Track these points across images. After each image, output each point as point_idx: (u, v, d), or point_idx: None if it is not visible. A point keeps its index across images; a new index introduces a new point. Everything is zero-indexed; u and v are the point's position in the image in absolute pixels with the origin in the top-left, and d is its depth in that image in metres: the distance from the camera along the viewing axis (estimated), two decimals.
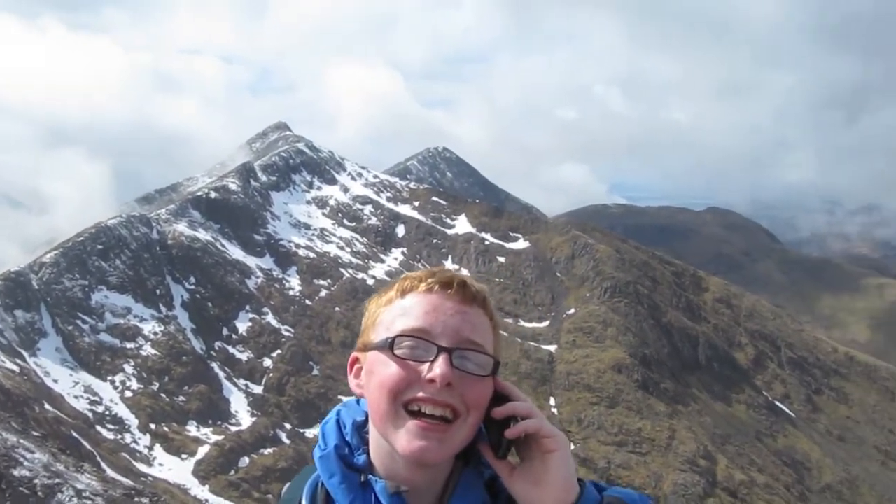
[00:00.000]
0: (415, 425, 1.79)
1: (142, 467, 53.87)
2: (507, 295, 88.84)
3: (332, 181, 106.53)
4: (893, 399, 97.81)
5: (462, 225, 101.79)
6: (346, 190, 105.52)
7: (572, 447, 68.64)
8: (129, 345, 66.57)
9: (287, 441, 63.74)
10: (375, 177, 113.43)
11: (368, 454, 1.94)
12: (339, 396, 60.71)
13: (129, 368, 64.34)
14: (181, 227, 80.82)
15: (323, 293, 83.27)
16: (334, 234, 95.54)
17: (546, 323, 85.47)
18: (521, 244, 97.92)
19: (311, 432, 64.47)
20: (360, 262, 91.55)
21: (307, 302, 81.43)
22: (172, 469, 56.27)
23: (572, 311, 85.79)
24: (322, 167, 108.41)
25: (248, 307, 76.72)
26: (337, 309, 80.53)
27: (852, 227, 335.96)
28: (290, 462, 59.17)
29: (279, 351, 72.89)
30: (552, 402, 74.59)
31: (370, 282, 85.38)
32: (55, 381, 58.83)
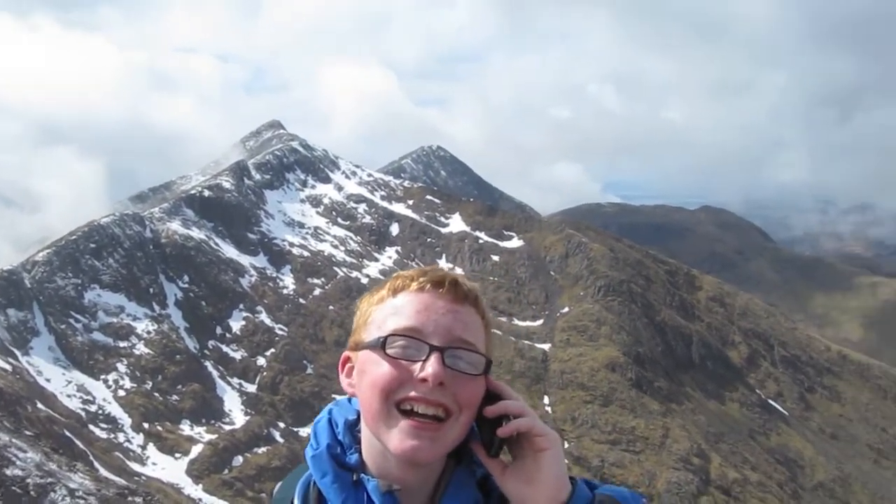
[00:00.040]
0: (407, 425, 1.79)
1: (135, 466, 53.75)
2: (501, 293, 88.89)
3: (326, 180, 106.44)
4: (886, 397, 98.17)
5: (456, 224, 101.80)
6: (340, 188, 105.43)
7: (566, 446, 68.74)
8: (123, 343, 66.42)
9: (281, 440, 63.69)
10: (369, 175, 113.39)
11: (360, 453, 1.93)
12: (333, 395, 60.69)
13: (122, 367, 64.18)
14: (175, 225, 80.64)
15: (317, 292, 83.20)
16: (328, 233, 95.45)
17: (540, 321, 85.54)
18: (515, 243, 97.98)
19: (305, 431, 64.40)
20: (354, 261, 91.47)
21: (301, 301, 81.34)
22: (166, 468, 56.15)
23: (566, 309, 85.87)
24: (316, 166, 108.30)
25: (241, 306, 76.59)
26: (331, 308, 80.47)
27: (845, 226, 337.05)
28: (283, 461, 59.12)
29: (273, 350, 72.79)
30: (546, 400, 74.66)
31: (364, 280, 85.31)
32: (48, 380, 58.65)
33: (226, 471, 58.40)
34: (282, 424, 65.79)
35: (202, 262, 78.21)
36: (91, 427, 56.29)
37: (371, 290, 2.02)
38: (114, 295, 69.87)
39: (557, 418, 71.94)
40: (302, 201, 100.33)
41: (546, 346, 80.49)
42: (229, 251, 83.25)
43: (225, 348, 71.95)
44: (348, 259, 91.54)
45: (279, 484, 2.09)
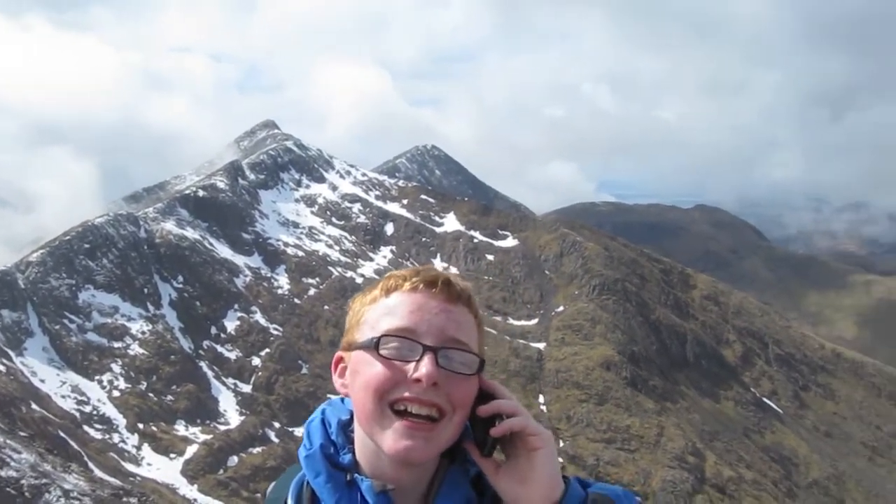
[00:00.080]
0: (401, 425, 1.79)
1: (130, 467, 53.65)
2: (495, 293, 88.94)
3: (321, 179, 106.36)
4: (880, 395, 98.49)
5: (451, 223, 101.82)
6: (334, 188, 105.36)
7: (561, 444, 68.81)
8: (117, 344, 66.29)
9: (276, 440, 63.62)
10: (364, 175, 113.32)
11: (354, 453, 1.93)
12: (328, 395, 60.54)
13: (116, 368, 64.06)
14: (169, 225, 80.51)
15: (311, 292, 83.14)
16: (323, 233, 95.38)
17: (535, 321, 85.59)
18: (510, 242, 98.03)
19: (300, 431, 63.82)
20: (348, 261, 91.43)
21: (296, 300, 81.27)
22: (161, 469, 56.06)
23: (561, 308, 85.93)
24: (310, 165, 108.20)
25: (236, 306, 76.49)
26: (326, 307, 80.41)
27: (839, 225, 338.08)
28: (279, 461, 59.06)
29: (268, 350, 72.72)
30: (541, 399, 74.71)
31: (359, 280, 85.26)
32: (42, 380, 58.50)
33: (221, 471, 58.31)
34: (277, 424, 65.72)
35: (196, 263, 78.09)
36: (86, 428, 56.17)
37: (364, 289, 2.01)
38: (108, 295, 69.72)
39: (552, 417, 72.00)
40: (296, 201, 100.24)
41: (541, 345, 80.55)
42: (224, 251, 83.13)
43: (220, 348, 71.85)
44: (343, 259, 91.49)
45: (272, 484, 2.09)
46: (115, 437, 57.24)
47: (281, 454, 60.38)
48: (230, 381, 69.05)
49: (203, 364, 69.49)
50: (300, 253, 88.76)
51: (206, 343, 71.74)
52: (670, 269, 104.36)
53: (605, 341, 79.83)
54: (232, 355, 71.53)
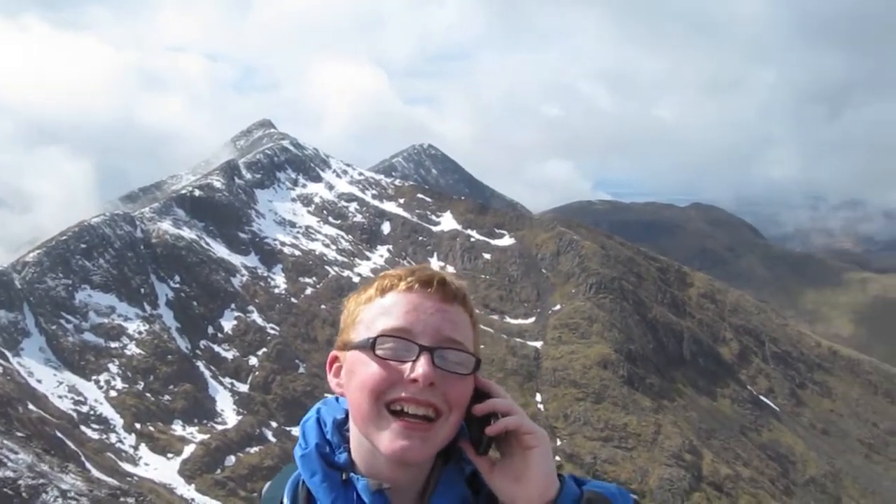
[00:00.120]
0: (397, 425, 1.79)
1: (127, 467, 53.61)
2: (492, 291, 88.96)
3: (317, 179, 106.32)
4: (876, 392, 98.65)
5: (447, 222, 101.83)
6: (331, 187, 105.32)
7: (559, 443, 68.89)
8: (114, 344, 66.21)
9: (273, 439, 63.60)
10: (360, 174, 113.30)
11: (349, 452, 1.93)
12: (326, 394, 60.30)
13: (113, 368, 63.99)
14: (165, 225, 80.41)
15: (308, 291, 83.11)
16: (319, 232, 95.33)
17: (532, 319, 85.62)
18: (507, 241, 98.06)
19: (297, 431, 62.39)
20: (345, 260, 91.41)
21: (292, 300, 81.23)
22: (158, 468, 56.02)
23: (558, 307, 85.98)
24: (307, 165, 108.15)
25: (233, 305, 76.43)
26: (322, 307, 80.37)
27: (835, 223, 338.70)
28: (276, 460, 59.04)
29: (265, 349, 72.67)
30: (538, 398, 74.75)
31: (356, 279, 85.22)
32: (39, 380, 58.41)
33: (218, 471, 58.28)
34: (274, 424, 65.70)
35: (193, 262, 78.01)
36: (83, 428, 56.10)
37: (358, 289, 2.01)
38: (105, 295, 69.63)
39: (550, 416, 72.05)
40: (293, 200, 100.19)
41: (538, 344, 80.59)
42: (220, 251, 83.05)
43: (217, 348, 71.80)
44: (340, 258, 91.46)
45: (268, 484, 2.08)
46: (113, 437, 57.19)
47: (278, 454, 60.36)
48: (227, 380, 69.01)
49: (200, 364, 69.44)
50: (297, 252, 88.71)
51: (202, 343, 71.68)
52: (667, 268, 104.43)
53: (602, 340, 79.89)
54: (229, 355, 71.48)
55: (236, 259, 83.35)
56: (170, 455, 58.08)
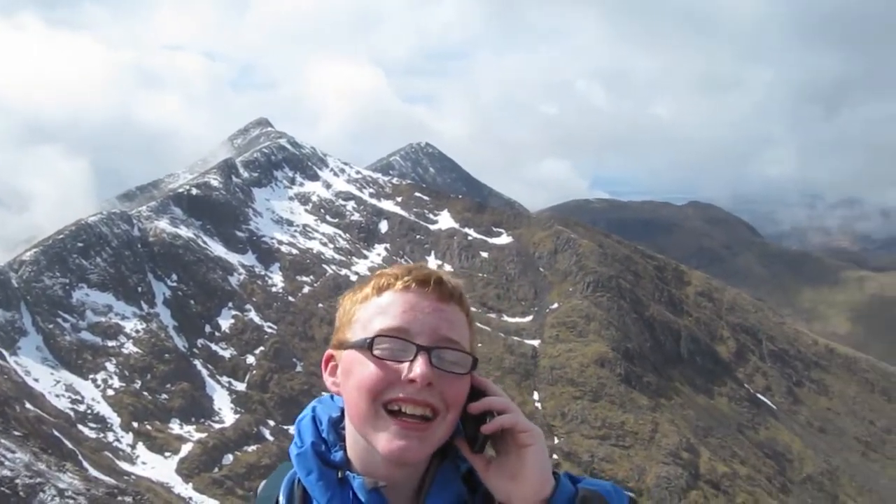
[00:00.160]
0: (395, 426, 1.78)
1: (124, 466, 53.58)
2: (490, 290, 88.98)
3: (315, 177, 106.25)
4: (873, 391, 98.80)
5: (445, 220, 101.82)
6: (328, 186, 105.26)
7: (556, 441, 68.95)
8: (111, 343, 66.15)
9: (271, 438, 63.58)
10: (358, 172, 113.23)
11: (345, 450, 1.92)
12: (323, 393, 59.53)
13: (110, 366, 63.93)
14: (162, 224, 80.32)
15: (306, 289, 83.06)
16: (317, 231, 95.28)
17: (529, 318, 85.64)
18: (504, 239, 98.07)
19: (294, 429, 64.27)
20: (343, 259, 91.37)
21: (290, 298, 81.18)
22: (155, 467, 55.99)
23: (555, 305, 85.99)
24: (304, 163, 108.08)
25: (230, 304, 76.37)
26: (320, 305, 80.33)
27: (832, 221, 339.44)
28: (273, 459, 59.00)
29: (262, 348, 72.64)
30: (536, 396, 74.79)
31: (353, 278, 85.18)
32: (36, 379, 58.35)
33: (216, 469, 58.26)
34: (271, 422, 65.68)
35: (190, 261, 77.94)
36: (80, 427, 56.05)
37: (354, 287, 2.00)
38: (102, 294, 69.55)
39: (547, 414, 72.10)
40: (290, 199, 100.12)
41: (535, 343, 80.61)
42: (217, 249, 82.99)
43: (214, 347, 71.75)
44: (337, 256, 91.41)
45: (263, 482, 2.08)
46: (110, 436, 57.15)
47: (276, 452, 60.33)
48: (224, 379, 68.97)
49: (197, 362, 69.40)
50: (294, 251, 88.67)
51: (200, 341, 71.63)
52: (664, 266, 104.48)
53: (600, 338, 79.92)
54: (226, 353, 71.44)
55: (233, 258, 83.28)
56: (167, 454, 58.06)
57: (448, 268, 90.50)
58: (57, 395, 58.01)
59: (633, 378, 77.07)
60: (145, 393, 63.17)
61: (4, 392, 49.06)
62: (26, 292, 65.30)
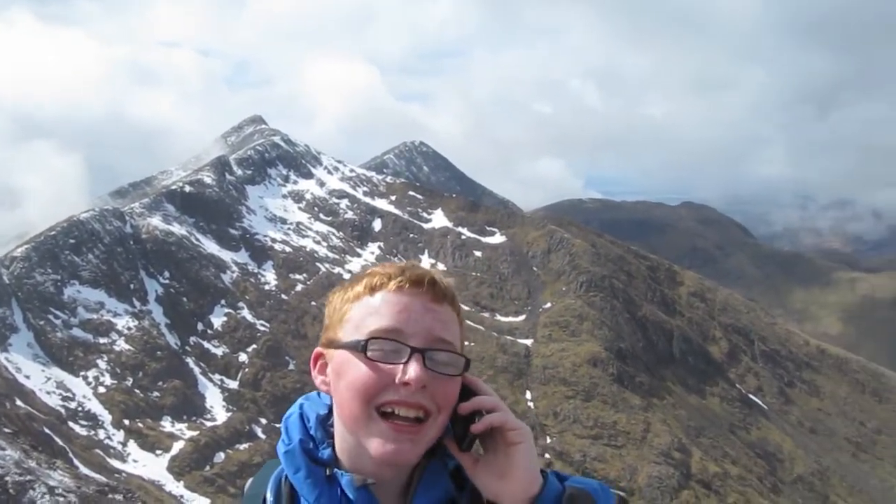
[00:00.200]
0: (388, 428, 1.77)
1: (115, 463, 53.45)
2: (483, 289, 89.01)
3: (308, 175, 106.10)
4: (864, 391, 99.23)
5: (439, 219, 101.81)
6: (322, 184, 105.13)
7: (548, 441, 69.05)
8: (103, 340, 65.98)
9: (263, 436, 63.53)
10: (352, 171, 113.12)
11: (333, 448, 1.91)
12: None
13: (102, 364, 63.77)
14: (155, 220, 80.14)
15: (299, 287, 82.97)
16: (310, 229, 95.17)
17: (522, 317, 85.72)
18: (498, 238, 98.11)
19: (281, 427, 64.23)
20: (336, 257, 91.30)
21: (283, 296, 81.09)
22: (147, 465, 55.90)
23: (548, 305, 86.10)
24: (298, 161, 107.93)
25: (223, 302, 76.26)
26: (313, 303, 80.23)
27: (824, 222, 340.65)
28: (265, 457, 58.86)
29: (254, 346, 72.56)
30: (528, 395, 74.87)
31: (346, 276, 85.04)
32: (27, 376, 58.19)
33: (207, 467, 58.18)
34: (263, 420, 65.61)
35: (183, 258, 77.79)
36: (71, 424, 55.92)
37: (343, 285, 1.97)
38: (94, 291, 69.36)
39: (540, 413, 72.18)
40: (284, 197, 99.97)
41: (528, 342, 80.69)
42: (210, 247, 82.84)
43: (206, 344, 71.62)
44: (330, 255, 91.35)
45: (250, 480, 2.06)
46: (101, 434, 57.02)
47: (268, 450, 60.25)
48: (217, 377, 68.86)
49: (189, 360, 69.27)
50: (287, 249, 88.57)
51: (192, 339, 71.50)
52: (657, 266, 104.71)
53: (592, 338, 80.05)
54: (219, 351, 71.32)
55: (226, 255, 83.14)
56: (158, 452, 57.96)
57: (441, 267, 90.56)
58: (48, 393, 57.86)
59: (626, 378, 77.21)
60: (137, 390, 63.04)
61: None
62: (17, 289, 65.08)
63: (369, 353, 1.78)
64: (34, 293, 65.66)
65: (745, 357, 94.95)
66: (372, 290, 1.87)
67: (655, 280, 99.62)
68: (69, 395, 58.99)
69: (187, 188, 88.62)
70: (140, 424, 59.72)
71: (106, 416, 58.83)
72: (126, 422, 59.11)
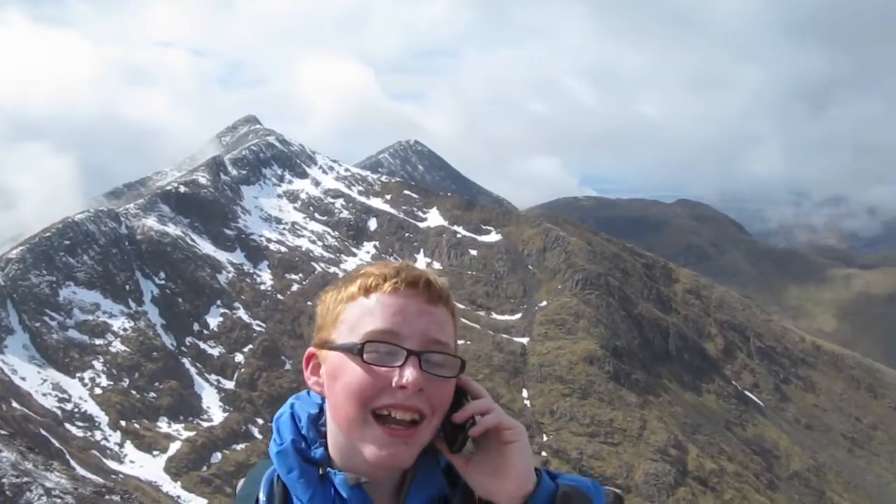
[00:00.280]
0: (383, 432, 1.76)
1: (112, 465, 53.37)
2: (479, 288, 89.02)
3: (303, 175, 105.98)
4: (859, 387, 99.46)
5: (434, 218, 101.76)
6: (317, 183, 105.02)
7: (545, 438, 69.14)
8: (99, 341, 65.84)
9: (259, 436, 63.47)
10: (347, 170, 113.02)
11: (326, 447, 1.89)
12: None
13: (98, 365, 63.65)
14: (150, 221, 79.99)
15: (294, 287, 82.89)
16: (306, 228, 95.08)
17: (518, 315, 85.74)
18: (493, 237, 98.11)
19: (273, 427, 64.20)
20: (331, 256, 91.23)
21: (279, 296, 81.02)
22: (143, 466, 55.81)
23: (544, 303, 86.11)
24: (293, 161, 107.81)
25: (219, 302, 76.16)
26: (309, 303, 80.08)
27: (819, 219, 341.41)
28: (262, 457, 57.98)
29: (251, 346, 72.47)
30: (525, 393, 74.90)
31: (342, 275, 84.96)
32: (23, 378, 58.05)
33: (204, 468, 58.13)
34: (260, 421, 65.51)
35: (178, 259, 77.67)
36: (67, 425, 55.80)
37: (336, 284, 1.96)
38: (89, 292, 69.21)
39: (536, 411, 72.23)
40: (279, 196, 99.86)
41: (524, 340, 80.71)
42: (206, 247, 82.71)
43: (202, 345, 71.53)
44: (326, 254, 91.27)
45: (241, 481, 2.06)
46: (98, 435, 56.92)
47: (265, 450, 57.38)
48: (213, 377, 68.78)
49: (186, 361, 69.18)
50: (283, 248, 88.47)
51: (188, 340, 71.40)
52: (653, 264, 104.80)
53: (588, 336, 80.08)
54: (215, 352, 71.24)
55: (222, 255, 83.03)
56: (155, 452, 57.88)
57: (437, 265, 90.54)
58: (44, 394, 57.74)
59: (622, 375, 77.28)
60: (133, 391, 62.93)
61: None
62: (12, 290, 64.93)
63: (365, 357, 1.77)
64: (29, 295, 65.51)
65: (740, 354, 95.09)
66: (367, 291, 1.85)
67: (651, 277, 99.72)
68: (65, 396, 58.87)
69: (182, 188, 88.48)
70: (136, 425, 59.63)
71: (102, 418, 58.74)
72: (122, 423, 59.02)
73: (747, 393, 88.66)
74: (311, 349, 1.98)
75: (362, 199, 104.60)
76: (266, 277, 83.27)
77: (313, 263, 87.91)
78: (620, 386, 75.83)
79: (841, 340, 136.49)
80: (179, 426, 61.61)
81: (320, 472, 1.86)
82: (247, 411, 65.96)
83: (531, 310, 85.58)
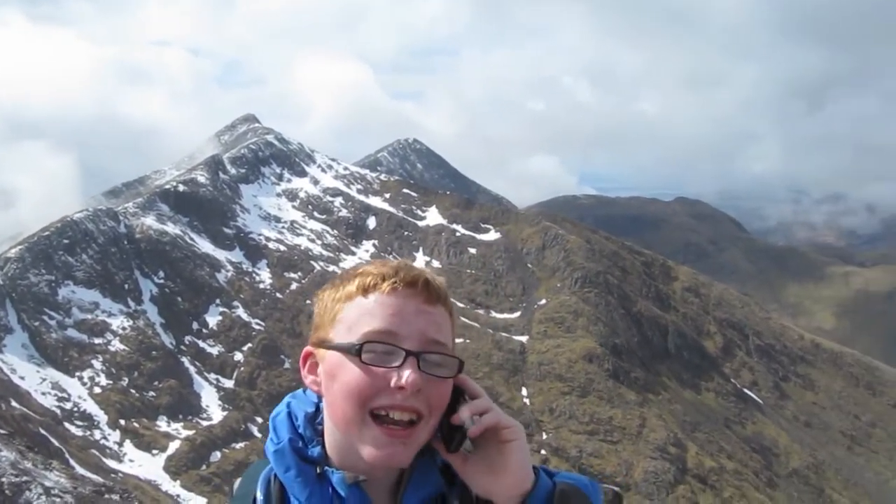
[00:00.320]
0: (381, 433, 1.76)
1: (112, 464, 53.36)
2: (478, 286, 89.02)
3: (302, 173, 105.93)
4: (858, 385, 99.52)
5: (433, 216, 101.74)
6: (316, 182, 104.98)
7: (544, 437, 69.17)
8: (98, 340, 65.82)
9: (258, 435, 63.48)
10: (346, 169, 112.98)
11: (323, 445, 1.89)
12: None
13: (97, 364, 63.62)
14: (149, 220, 79.93)
15: (294, 286, 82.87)
16: (304, 227, 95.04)
17: (517, 314, 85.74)
18: (492, 235, 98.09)
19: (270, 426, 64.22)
20: (330, 255, 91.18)
21: (278, 295, 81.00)
22: (143, 465, 55.81)
23: (543, 301, 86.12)
24: (292, 159, 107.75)
25: (218, 301, 76.12)
26: (308, 302, 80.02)
27: (818, 217, 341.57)
28: (261, 456, 58.61)
29: (250, 344, 72.45)
30: (524, 392, 74.92)
31: (340, 274, 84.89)
32: (22, 377, 58.02)
33: (203, 467, 58.13)
34: (259, 419, 65.52)
35: (177, 258, 77.62)
36: (66, 425, 55.78)
37: (334, 282, 1.95)
38: (88, 291, 69.17)
39: (535, 409, 72.25)
40: (278, 195, 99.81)
41: (523, 338, 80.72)
42: (205, 246, 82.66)
43: (201, 344, 71.51)
44: (325, 253, 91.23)
45: (238, 480, 2.06)
46: (97, 434, 56.91)
47: (263, 449, 60.22)
48: (212, 376, 68.76)
49: (185, 359, 69.16)
50: (282, 247, 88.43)
51: (187, 338, 71.37)
52: (651, 262, 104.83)
53: (588, 334, 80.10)
54: (214, 350, 71.22)
55: (221, 254, 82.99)
56: (155, 451, 57.88)
57: (436, 264, 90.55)
58: (43, 393, 57.71)
59: (621, 373, 77.29)
60: (132, 390, 62.91)
61: None
62: (11, 289, 64.89)
63: (363, 357, 1.76)
64: (28, 294, 65.48)
65: (739, 352, 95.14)
66: (365, 290, 1.85)
67: (650, 275, 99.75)
68: (64, 395, 58.86)
69: (181, 187, 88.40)
70: (136, 424, 59.62)
71: (102, 417, 58.73)
72: (122, 422, 59.01)
73: (746, 391, 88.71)
74: (308, 348, 1.98)
75: (361, 197, 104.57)
76: (265, 276, 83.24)
77: (312, 262, 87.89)
78: (619, 384, 75.85)
79: (840, 338, 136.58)
80: (179, 425, 61.60)
81: (318, 470, 1.86)
82: (246, 410, 65.96)
83: (530, 308, 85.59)
